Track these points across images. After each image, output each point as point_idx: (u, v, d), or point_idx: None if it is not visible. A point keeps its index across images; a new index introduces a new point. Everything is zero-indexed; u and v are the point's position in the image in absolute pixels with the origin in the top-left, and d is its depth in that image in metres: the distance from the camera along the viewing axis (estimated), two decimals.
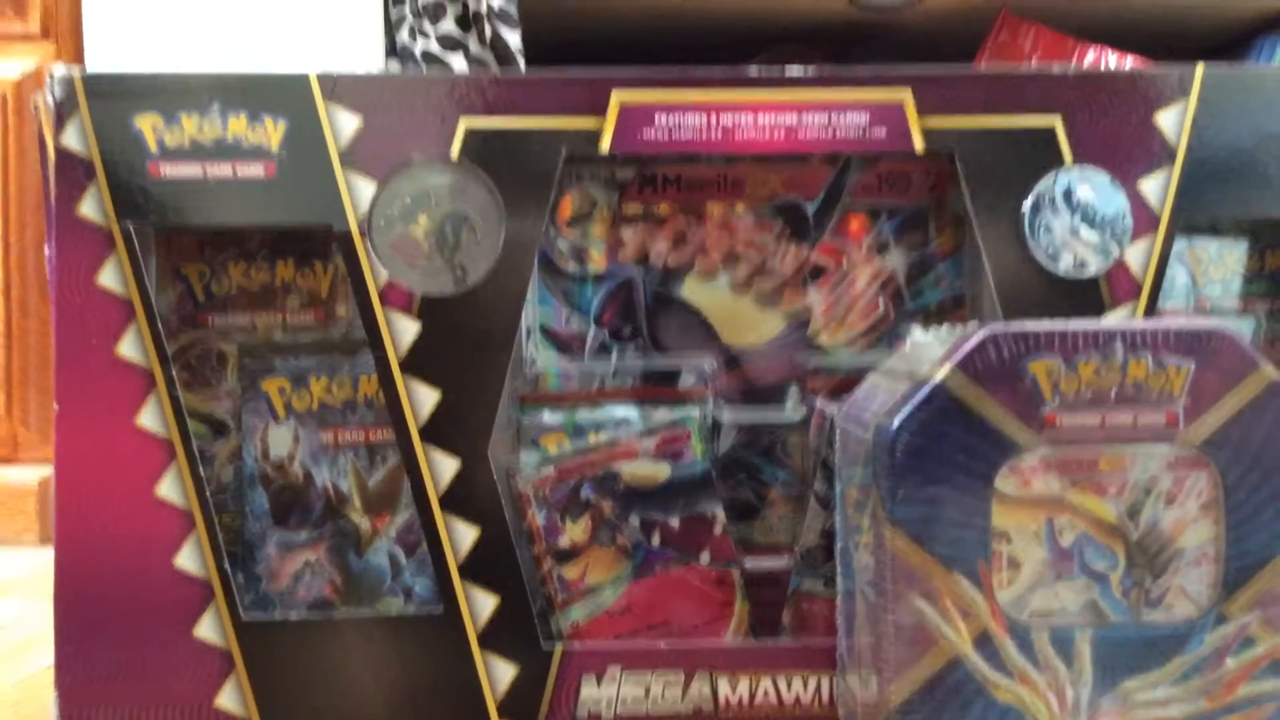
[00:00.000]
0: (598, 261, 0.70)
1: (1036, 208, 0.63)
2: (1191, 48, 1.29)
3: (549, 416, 0.66)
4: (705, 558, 0.65)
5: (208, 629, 0.62)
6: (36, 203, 1.30)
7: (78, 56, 1.28)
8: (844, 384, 0.66)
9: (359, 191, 0.62)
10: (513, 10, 1.05)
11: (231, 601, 0.62)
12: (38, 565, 1.18)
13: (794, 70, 0.63)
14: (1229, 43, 1.30)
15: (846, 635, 0.59)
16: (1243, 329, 0.70)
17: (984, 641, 0.52)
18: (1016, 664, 0.52)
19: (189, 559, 0.61)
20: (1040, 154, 0.63)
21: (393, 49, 1.05)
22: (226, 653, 0.62)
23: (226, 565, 0.62)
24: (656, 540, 0.65)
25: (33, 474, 1.31)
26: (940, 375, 0.52)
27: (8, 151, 1.32)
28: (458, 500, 0.62)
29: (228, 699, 0.62)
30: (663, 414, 0.66)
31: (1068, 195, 0.63)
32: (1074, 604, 0.53)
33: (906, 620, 0.52)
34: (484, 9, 1.04)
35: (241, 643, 0.62)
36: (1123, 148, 0.63)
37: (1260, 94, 0.63)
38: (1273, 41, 1.22)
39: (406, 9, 1.04)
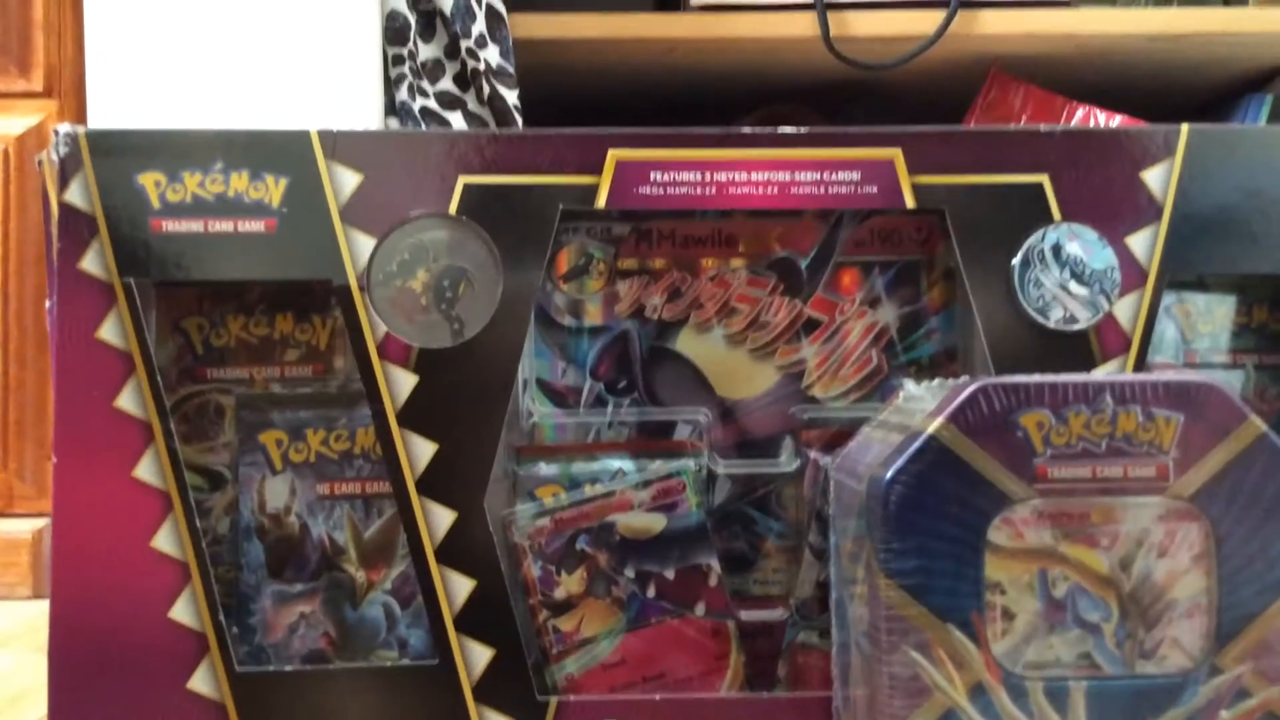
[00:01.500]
0: (593, 315, 0.71)
1: (1026, 263, 0.64)
2: (1179, 106, 1.30)
3: (545, 468, 0.66)
4: (700, 609, 0.65)
5: (202, 681, 0.61)
6: (35, 256, 1.31)
7: (80, 115, 1.30)
8: (838, 436, 0.67)
9: (358, 246, 0.63)
10: (510, 69, 1.06)
11: (226, 654, 0.61)
12: (30, 617, 1.18)
13: (786, 129, 0.65)
14: (1215, 102, 1.32)
15: (842, 687, 0.59)
16: (1232, 382, 0.71)
17: (979, 693, 0.52)
18: (1011, 715, 0.52)
19: (184, 611, 0.61)
20: (1029, 210, 0.64)
21: (392, 107, 1.06)
22: (221, 705, 0.61)
23: (221, 617, 0.62)
24: (652, 592, 0.65)
25: (27, 526, 1.31)
26: (932, 428, 0.52)
27: (8, 206, 1.33)
28: (454, 552, 0.62)
29: None
30: (658, 466, 0.66)
31: (1056, 251, 0.64)
32: (1068, 655, 0.53)
33: (901, 672, 0.52)
34: (482, 67, 1.05)
35: (235, 695, 0.61)
36: (1110, 204, 0.64)
37: (1244, 152, 0.64)
38: (1258, 100, 1.23)
39: (406, 67, 1.06)
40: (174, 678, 0.61)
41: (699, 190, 0.64)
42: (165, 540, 0.62)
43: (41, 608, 0.61)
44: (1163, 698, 0.53)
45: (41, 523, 1.29)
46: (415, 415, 0.62)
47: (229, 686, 0.61)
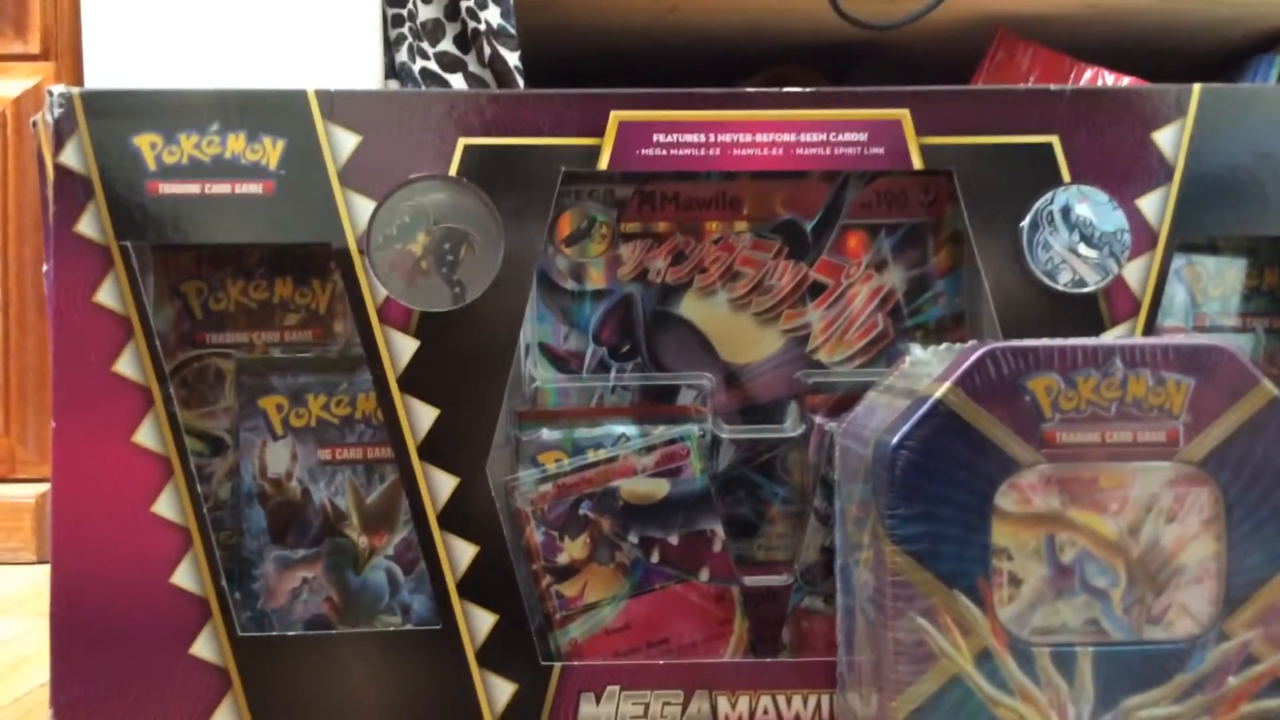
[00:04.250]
0: (596, 279, 0.70)
1: (1035, 225, 0.63)
2: (1187, 68, 1.29)
3: (547, 434, 0.66)
4: (704, 575, 0.65)
5: (204, 647, 0.61)
6: (35, 220, 1.30)
7: (77, 77, 1.29)
8: (843, 401, 0.66)
9: (357, 209, 0.62)
10: (511, 30, 1.05)
11: (228, 619, 0.61)
12: (33, 583, 1.18)
13: (791, 89, 0.64)
14: (1224, 63, 1.30)
15: (847, 653, 0.59)
16: (1242, 345, 0.70)
17: (985, 659, 0.52)
18: (1018, 682, 0.52)
19: (186, 576, 0.61)
20: (1038, 172, 0.63)
21: (392, 69, 1.05)
22: (223, 670, 0.61)
23: (224, 583, 0.61)
24: (655, 558, 0.65)
25: (29, 491, 1.31)
26: (939, 392, 0.52)
27: (6, 170, 1.32)
28: (456, 518, 0.62)
29: (224, 717, 0.61)
30: (661, 431, 0.66)
31: (1066, 213, 0.63)
32: (1075, 621, 0.53)
33: (907, 638, 0.51)
34: (483, 28, 1.04)
35: (238, 660, 0.61)
36: (1120, 166, 0.63)
37: (1256, 113, 0.63)
38: (1268, 61, 1.22)
39: (406, 29, 1.04)
40: (177, 643, 0.61)
41: (703, 152, 0.63)
42: (166, 505, 0.61)
43: (45, 573, 0.61)
44: (1170, 663, 0.53)
45: (44, 488, 1.29)
46: (416, 380, 0.62)
47: (231, 651, 0.61)
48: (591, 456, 0.65)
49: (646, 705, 0.62)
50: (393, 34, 1.04)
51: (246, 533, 0.67)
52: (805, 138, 0.63)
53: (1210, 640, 0.53)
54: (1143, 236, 0.63)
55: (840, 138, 0.63)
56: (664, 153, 0.63)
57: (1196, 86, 0.63)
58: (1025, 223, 0.63)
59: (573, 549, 0.65)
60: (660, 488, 0.65)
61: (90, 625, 0.61)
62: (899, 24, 1.10)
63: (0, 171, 1.32)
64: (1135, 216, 0.63)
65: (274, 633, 0.64)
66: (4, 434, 1.32)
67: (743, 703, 0.62)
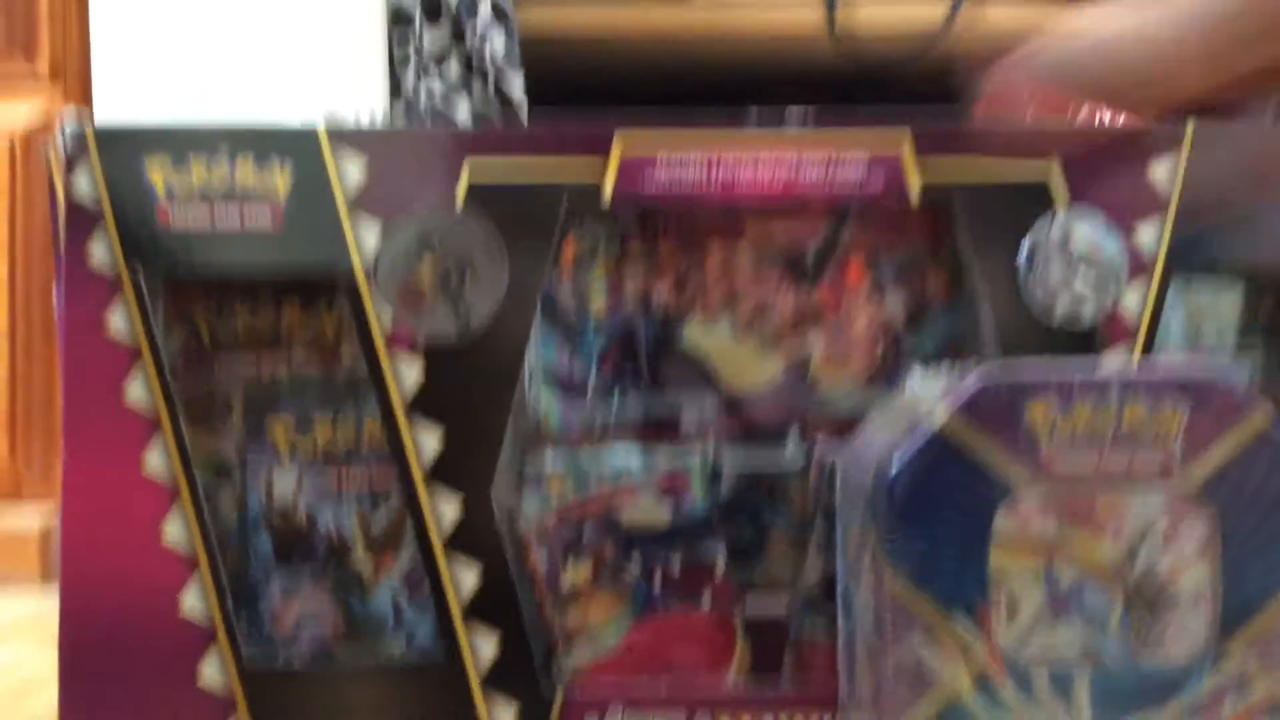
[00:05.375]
0: (599, 306, 0.71)
1: (1032, 254, 0.64)
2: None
3: (551, 460, 0.67)
4: (706, 600, 0.65)
5: (210, 674, 0.62)
6: (43, 246, 1.31)
7: (85, 98, 1.30)
8: (844, 427, 0.67)
9: (365, 237, 0.63)
10: (516, 58, 1.06)
11: (235, 645, 0.62)
12: (39, 608, 1.18)
13: (792, 119, 0.64)
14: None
15: (848, 677, 0.59)
16: (1238, 373, 0.71)
17: (983, 683, 0.52)
18: (1015, 706, 0.52)
19: (193, 604, 0.62)
20: (1036, 202, 0.64)
21: (397, 92, 1.06)
22: (229, 696, 0.62)
23: (230, 608, 0.62)
24: (658, 583, 0.65)
25: (35, 516, 1.31)
26: (938, 419, 0.53)
27: (15, 195, 1.33)
28: (461, 543, 0.62)
29: None
30: (664, 457, 0.66)
31: (1063, 241, 0.63)
32: (1072, 645, 0.54)
33: (906, 662, 0.52)
34: (488, 55, 1.05)
35: (244, 686, 0.62)
36: (1117, 196, 0.64)
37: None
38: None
39: (410, 53, 1.05)
40: (183, 671, 0.62)
41: (705, 181, 0.64)
42: (174, 531, 0.62)
43: (50, 598, 0.61)
44: (1167, 688, 0.53)
45: (50, 513, 1.30)
46: (422, 407, 0.62)
47: (238, 679, 0.62)
48: (594, 483, 0.66)
49: None
50: (397, 57, 1.05)
51: (253, 559, 0.67)
52: (805, 168, 0.64)
53: (1207, 665, 0.53)
54: (1139, 265, 0.64)
55: (840, 168, 0.64)
56: (667, 182, 0.64)
57: (1189, 123, 0.64)
58: (1023, 251, 0.64)
59: (576, 574, 0.65)
60: (662, 514, 0.65)
61: (98, 651, 0.61)
62: (899, 59, 1.11)
63: (9, 197, 1.33)
64: (1132, 245, 0.64)
65: (279, 658, 0.65)
66: (10, 460, 1.32)
67: None
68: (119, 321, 0.62)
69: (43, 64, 1.33)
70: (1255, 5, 0.69)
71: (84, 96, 1.31)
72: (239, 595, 0.67)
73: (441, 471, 0.62)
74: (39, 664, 0.93)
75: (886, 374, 0.70)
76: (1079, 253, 0.63)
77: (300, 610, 0.67)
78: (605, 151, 0.63)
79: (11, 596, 1.23)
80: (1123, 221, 0.64)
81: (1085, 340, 0.64)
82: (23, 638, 1.04)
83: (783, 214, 0.70)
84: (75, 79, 1.32)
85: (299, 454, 0.67)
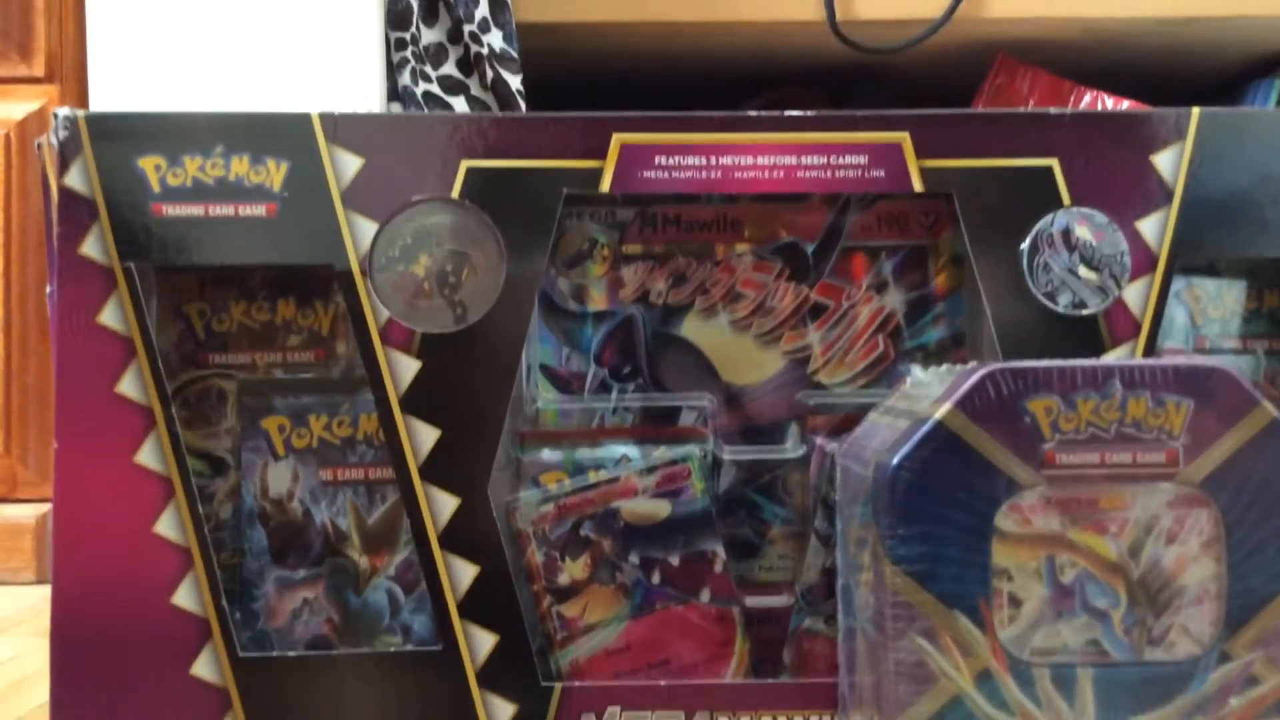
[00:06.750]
0: (598, 300, 0.70)
1: (1035, 247, 0.63)
2: (1186, 91, 1.30)
3: (549, 454, 0.66)
4: (705, 596, 0.65)
5: (205, 667, 0.61)
6: (37, 241, 1.31)
7: (82, 100, 1.29)
8: (844, 422, 0.66)
9: (360, 231, 0.62)
10: (514, 53, 1.06)
11: (229, 639, 0.61)
12: (33, 603, 1.18)
13: (793, 112, 0.64)
14: (1222, 87, 1.31)
15: (848, 673, 0.59)
16: (1242, 367, 0.70)
17: (985, 680, 0.52)
18: (1018, 702, 0.52)
19: (187, 597, 0.61)
20: (1038, 194, 0.63)
21: (394, 92, 1.06)
22: (224, 691, 0.61)
23: (224, 603, 0.61)
24: (656, 578, 0.65)
25: (30, 511, 1.31)
26: (940, 414, 0.52)
27: (9, 191, 1.32)
28: (457, 538, 0.62)
29: None
30: (663, 452, 0.66)
31: (1066, 235, 0.63)
32: (1075, 642, 0.53)
33: (907, 658, 0.51)
34: (485, 52, 1.04)
35: (238, 681, 0.61)
36: (1120, 188, 0.63)
37: (1255, 136, 0.64)
38: (1266, 85, 1.23)
39: (408, 52, 1.05)
40: (177, 663, 0.61)
41: (704, 174, 0.63)
42: (167, 526, 0.61)
43: (45, 593, 0.61)
44: (1171, 685, 0.52)
45: (45, 508, 1.29)
46: (418, 401, 0.62)
47: (232, 672, 0.61)
48: (593, 477, 0.65)
49: None
50: (395, 57, 1.05)
51: (248, 553, 0.67)
52: (806, 160, 0.63)
53: (1212, 661, 0.53)
54: (1142, 259, 0.63)
55: (841, 160, 0.63)
56: (666, 175, 0.63)
57: (1195, 110, 0.64)
58: (1025, 245, 0.63)
59: (574, 570, 0.65)
60: (661, 509, 0.65)
61: (91, 645, 0.61)
62: (900, 48, 1.10)
63: (3, 193, 1.32)
64: (1135, 239, 0.63)
65: (274, 653, 0.64)
66: (4, 454, 1.32)
67: None
68: (113, 315, 0.61)
69: (39, 64, 1.32)
70: None
71: (80, 97, 1.31)
72: (233, 589, 0.66)
73: (438, 466, 0.62)
74: (35, 658, 0.92)
75: (887, 369, 0.70)
76: (1081, 246, 0.63)
77: (295, 604, 0.67)
78: (603, 145, 0.63)
79: (7, 592, 1.23)
80: (1126, 214, 0.63)
81: (1087, 335, 0.63)
82: (18, 632, 1.04)
83: (783, 206, 0.70)
84: (71, 79, 1.32)
85: (294, 448, 0.67)
